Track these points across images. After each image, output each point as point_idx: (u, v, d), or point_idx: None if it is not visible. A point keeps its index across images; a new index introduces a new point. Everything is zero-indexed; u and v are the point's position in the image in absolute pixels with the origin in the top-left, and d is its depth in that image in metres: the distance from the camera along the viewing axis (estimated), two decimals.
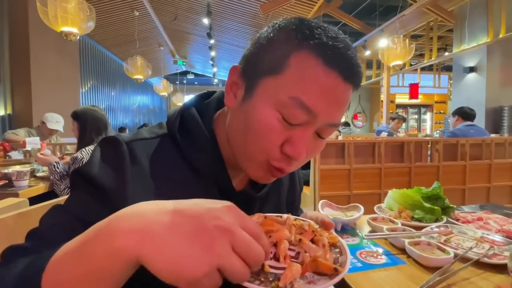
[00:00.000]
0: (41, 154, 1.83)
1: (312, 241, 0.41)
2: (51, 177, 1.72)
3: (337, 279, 0.34)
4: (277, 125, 0.38)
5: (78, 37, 2.71)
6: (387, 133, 4.11)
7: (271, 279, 0.33)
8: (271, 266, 0.35)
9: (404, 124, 10.24)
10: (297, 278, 0.33)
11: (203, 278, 0.24)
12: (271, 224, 0.41)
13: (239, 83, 0.43)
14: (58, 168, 1.71)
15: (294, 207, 0.65)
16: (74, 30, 2.64)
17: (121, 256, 0.25)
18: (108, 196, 0.39)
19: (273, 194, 0.56)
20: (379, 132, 4.34)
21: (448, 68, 8.80)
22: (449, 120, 3.35)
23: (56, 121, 2.81)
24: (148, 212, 0.27)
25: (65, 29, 2.60)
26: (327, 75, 0.37)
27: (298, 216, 0.69)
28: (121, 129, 6.57)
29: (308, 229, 0.44)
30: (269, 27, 0.42)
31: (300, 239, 0.39)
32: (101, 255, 0.26)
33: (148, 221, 0.26)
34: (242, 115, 0.41)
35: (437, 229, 0.72)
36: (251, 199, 0.50)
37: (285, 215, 0.46)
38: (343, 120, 9.16)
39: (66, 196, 0.45)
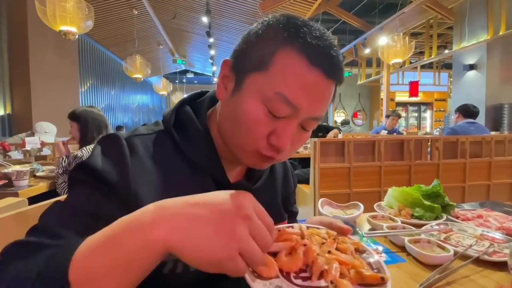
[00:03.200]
0: (64, 143, 1.84)
1: (337, 249, 0.40)
2: (56, 170, 1.74)
3: None
4: (263, 117, 0.40)
5: (77, 36, 2.71)
6: (387, 132, 4.09)
7: None
8: (311, 287, 0.34)
9: (403, 122, 10.26)
10: None
11: (228, 261, 0.28)
12: (290, 238, 0.40)
13: (230, 76, 0.45)
14: (64, 162, 1.74)
15: (289, 203, 0.66)
16: (73, 29, 2.64)
17: (152, 247, 0.28)
18: (113, 188, 0.40)
19: (268, 189, 0.58)
20: (376, 132, 4.30)
21: (448, 66, 8.78)
22: (452, 117, 3.33)
23: (45, 132, 2.74)
24: (174, 206, 0.30)
25: (64, 28, 2.59)
26: (310, 73, 0.39)
27: (294, 216, 0.69)
28: (118, 128, 6.57)
29: (328, 237, 0.43)
30: (258, 23, 0.44)
31: (329, 251, 0.38)
32: (133, 247, 0.28)
33: (175, 213, 0.29)
34: (231, 106, 0.44)
35: (437, 227, 0.72)
36: (246, 191, 0.50)
37: (296, 225, 0.45)
38: (343, 118, 9.16)
39: (65, 196, 0.45)
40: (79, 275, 0.27)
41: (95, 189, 0.40)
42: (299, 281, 0.35)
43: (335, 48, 0.41)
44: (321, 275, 0.35)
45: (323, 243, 0.40)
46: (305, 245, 0.38)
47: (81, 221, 0.37)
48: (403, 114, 10.31)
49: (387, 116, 4.27)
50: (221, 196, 0.31)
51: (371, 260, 0.41)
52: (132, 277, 0.28)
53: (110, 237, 0.29)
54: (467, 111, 2.75)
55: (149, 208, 0.30)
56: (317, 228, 0.47)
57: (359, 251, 0.43)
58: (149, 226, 0.28)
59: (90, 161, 0.41)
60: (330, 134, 3.25)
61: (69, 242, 0.31)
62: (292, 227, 0.44)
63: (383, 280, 0.35)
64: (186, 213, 0.29)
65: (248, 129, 0.41)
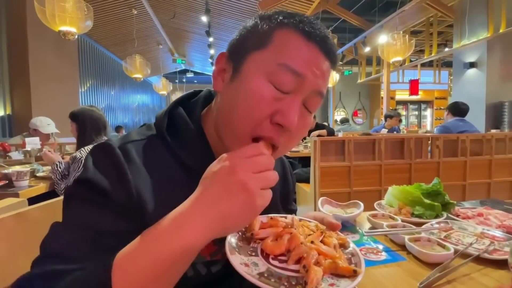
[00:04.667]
0: (49, 151, 1.83)
1: (322, 242, 0.42)
2: (52, 176, 1.73)
3: (357, 281, 0.36)
4: (267, 93, 0.40)
5: (76, 37, 2.70)
6: (387, 130, 4.09)
7: (293, 283, 0.34)
8: (285, 269, 0.36)
9: (404, 120, 10.24)
10: (320, 281, 0.35)
11: (260, 200, 0.32)
12: (279, 225, 0.43)
13: (227, 68, 0.45)
14: (60, 168, 1.72)
15: (288, 201, 0.66)
16: (72, 29, 2.63)
17: (193, 248, 0.31)
18: (115, 201, 0.39)
19: None
20: (375, 131, 4.29)
21: (448, 64, 8.76)
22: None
23: (47, 124, 2.74)
24: (188, 204, 0.33)
25: (63, 28, 2.59)
26: (308, 47, 0.41)
27: (292, 213, 0.70)
28: (118, 128, 6.53)
29: (316, 230, 0.45)
30: (252, 17, 0.46)
31: (312, 241, 0.40)
32: (175, 253, 0.31)
33: (196, 207, 0.33)
34: (231, 91, 0.43)
35: (437, 225, 0.72)
36: None
37: (289, 216, 0.47)
38: (343, 116, 9.13)
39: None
40: (121, 284, 0.29)
41: (98, 205, 0.38)
42: (275, 262, 0.37)
43: (327, 31, 0.43)
44: (298, 261, 0.37)
45: (309, 235, 0.42)
46: (291, 233, 0.40)
47: (91, 240, 0.36)
48: (403, 112, 10.30)
49: (390, 117, 4.20)
50: (214, 167, 0.35)
51: (352, 256, 0.42)
52: (173, 279, 0.32)
53: (147, 245, 0.32)
54: (456, 109, 2.80)
55: (171, 215, 0.33)
56: (309, 221, 0.49)
57: (344, 246, 0.45)
58: (184, 231, 0.31)
59: (87, 175, 0.40)
60: (315, 133, 3.14)
61: (99, 261, 0.32)
62: (286, 217, 0.46)
63: (355, 273, 0.36)
64: (205, 203, 0.32)
65: (250, 108, 0.40)
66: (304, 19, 0.42)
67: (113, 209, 0.38)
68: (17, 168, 1.80)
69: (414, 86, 7.86)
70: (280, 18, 0.42)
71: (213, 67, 0.47)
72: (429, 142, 2.20)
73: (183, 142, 0.46)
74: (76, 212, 0.39)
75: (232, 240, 0.39)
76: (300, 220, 0.47)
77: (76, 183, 0.40)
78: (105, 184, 0.39)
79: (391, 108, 5.96)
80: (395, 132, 4.03)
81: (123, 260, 0.31)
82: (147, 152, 0.45)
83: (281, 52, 0.40)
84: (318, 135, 3.04)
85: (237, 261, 0.35)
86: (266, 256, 0.38)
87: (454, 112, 2.79)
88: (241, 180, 0.32)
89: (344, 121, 5.49)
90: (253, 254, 0.39)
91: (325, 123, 3.94)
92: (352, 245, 0.45)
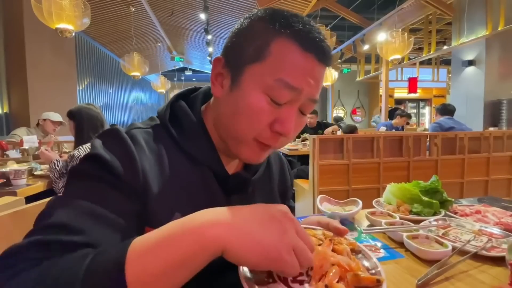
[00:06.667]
0: (46, 149, 1.83)
1: (333, 250, 0.40)
2: (50, 174, 1.72)
3: None
4: (266, 107, 0.42)
5: (73, 34, 2.68)
6: (386, 128, 4.10)
7: None
8: None
9: None
10: None
11: (286, 255, 0.30)
12: None
13: (224, 74, 0.45)
14: (58, 166, 1.71)
15: (286, 198, 0.67)
16: (70, 27, 2.61)
17: (210, 246, 0.29)
18: (122, 180, 0.39)
19: (265, 182, 0.59)
20: (384, 126, 4.38)
21: (447, 62, 8.77)
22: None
23: (57, 116, 2.93)
24: (227, 209, 0.33)
25: (60, 26, 2.56)
26: (305, 58, 0.41)
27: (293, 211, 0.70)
28: (112, 126, 6.51)
29: (325, 238, 0.43)
30: (245, 18, 0.45)
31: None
32: (190, 247, 0.29)
33: (230, 214, 0.32)
34: (231, 102, 0.44)
35: (435, 223, 0.72)
36: (245, 182, 0.52)
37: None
38: (341, 114, 9.11)
39: None
40: (135, 276, 0.27)
41: (106, 181, 0.39)
42: (296, 285, 0.35)
43: (322, 35, 0.44)
44: (319, 279, 0.35)
45: (319, 245, 0.40)
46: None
47: (96, 215, 0.36)
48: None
49: (401, 116, 4.25)
50: (266, 205, 0.35)
51: (368, 261, 0.42)
52: (186, 275, 0.30)
53: (166, 237, 0.30)
54: (444, 110, 3.14)
55: (204, 211, 0.33)
56: (314, 228, 0.48)
57: (355, 251, 0.44)
58: (207, 226, 0.30)
59: (96, 151, 0.40)
60: (329, 130, 3.26)
61: (113, 244, 0.32)
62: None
63: (378, 282, 0.35)
64: (241, 213, 0.32)
65: (251, 120, 0.42)
66: (300, 26, 0.41)
67: (120, 188, 0.39)
68: (15, 166, 1.80)
69: (412, 84, 7.86)
70: (276, 26, 0.41)
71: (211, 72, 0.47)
72: (428, 140, 2.20)
73: (185, 133, 0.48)
74: (82, 187, 0.38)
75: (245, 269, 0.35)
76: (305, 228, 0.45)
77: (84, 160, 0.41)
78: (114, 162, 0.40)
79: (391, 106, 5.97)
80: (393, 130, 4.05)
81: (139, 248, 0.29)
82: (152, 139, 0.47)
83: (278, 67, 0.41)
84: (332, 131, 3.19)
85: None
86: (284, 280, 0.35)
87: (442, 112, 3.13)
88: (285, 224, 0.33)
89: (338, 119, 5.50)
90: (270, 279, 0.35)
91: (325, 121, 3.96)
92: (362, 248, 0.44)
